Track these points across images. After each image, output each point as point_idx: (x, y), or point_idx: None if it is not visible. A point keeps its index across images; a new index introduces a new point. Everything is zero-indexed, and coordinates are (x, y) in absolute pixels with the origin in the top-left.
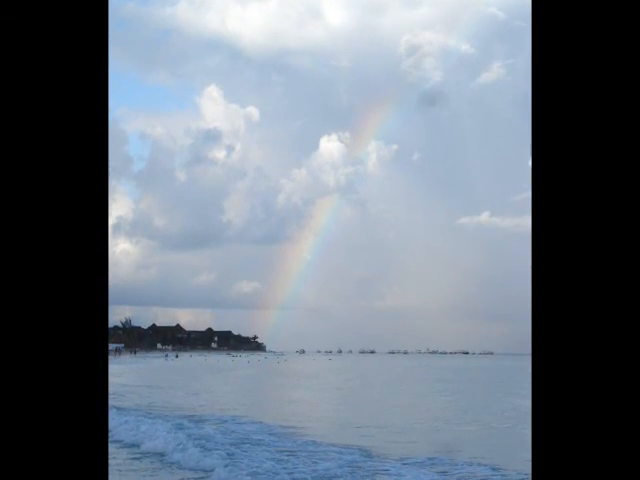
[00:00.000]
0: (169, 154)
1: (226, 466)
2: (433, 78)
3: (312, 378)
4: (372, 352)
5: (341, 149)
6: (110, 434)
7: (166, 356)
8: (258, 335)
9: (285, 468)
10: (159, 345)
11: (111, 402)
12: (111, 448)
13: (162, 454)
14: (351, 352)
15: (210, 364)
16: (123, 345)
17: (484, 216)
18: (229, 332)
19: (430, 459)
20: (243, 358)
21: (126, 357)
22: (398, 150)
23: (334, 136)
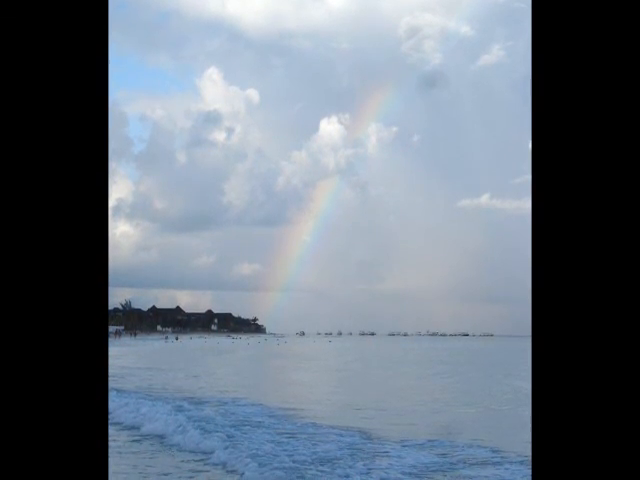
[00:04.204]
0: (169, 136)
1: (226, 448)
2: (433, 60)
3: (312, 360)
4: (372, 334)
5: (341, 131)
6: (110, 416)
7: (166, 338)
8: (258, 317)
9: (285, 450)
10: (159, 327)
11: (111, 384)
12: (111, 430)
13: (162, 436)
14: (351, 334)
15: (210, 346)
16: (123, 327)
17: (484, 198)
18: (229, 314)
19: (430, 441)
20: (243, 340)
21: (126, 339)
22: (398, 132)
23: (334, 118)
